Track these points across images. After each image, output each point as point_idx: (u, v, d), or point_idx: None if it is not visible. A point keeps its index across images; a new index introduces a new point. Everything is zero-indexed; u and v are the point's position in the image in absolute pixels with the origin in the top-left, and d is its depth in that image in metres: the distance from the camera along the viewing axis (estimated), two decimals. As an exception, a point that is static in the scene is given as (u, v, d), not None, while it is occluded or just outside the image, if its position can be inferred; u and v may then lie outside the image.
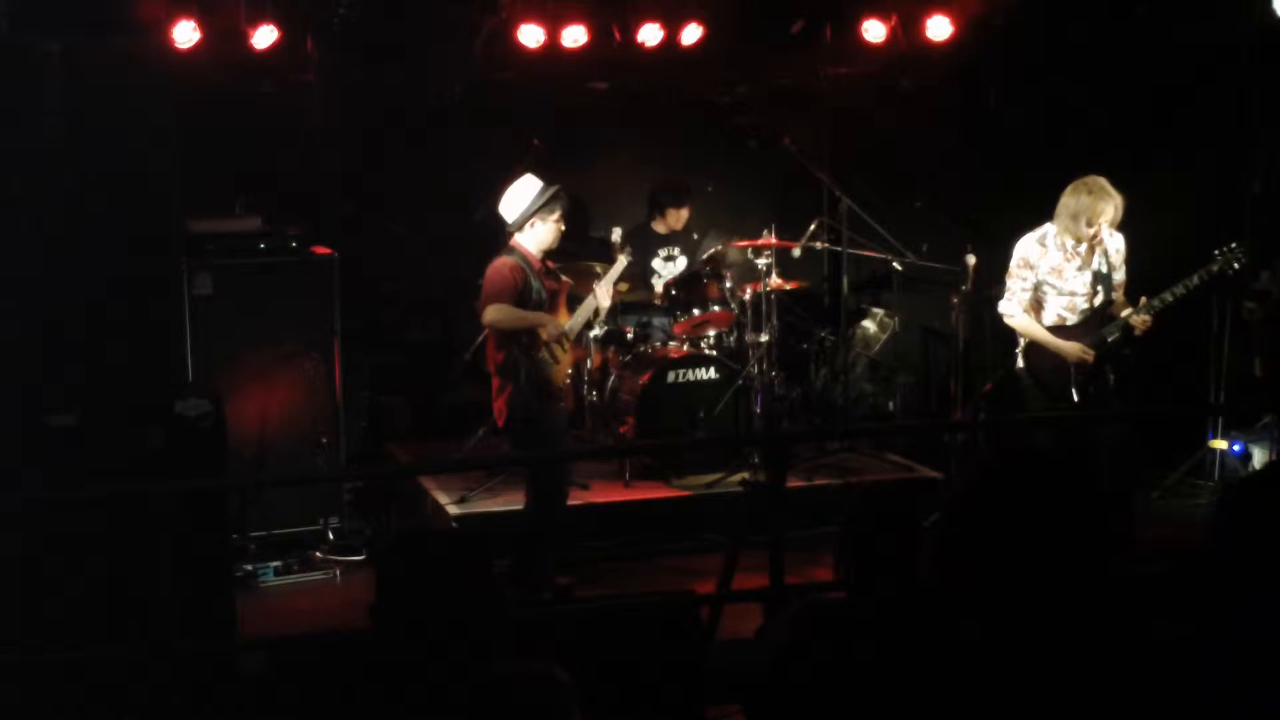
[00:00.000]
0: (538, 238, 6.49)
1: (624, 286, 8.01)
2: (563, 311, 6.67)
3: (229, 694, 4.78)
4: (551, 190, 6.49)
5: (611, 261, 7.40)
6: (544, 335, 6.43)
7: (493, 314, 6.38)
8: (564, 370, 6.62)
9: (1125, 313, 6.44)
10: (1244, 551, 2.21)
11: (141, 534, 4.61)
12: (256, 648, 5.31)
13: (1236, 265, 6.47)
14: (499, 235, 6.68)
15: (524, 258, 6.47)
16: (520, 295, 6.40)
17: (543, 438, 6.47)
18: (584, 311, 6.86)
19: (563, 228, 6.55)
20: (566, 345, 6.61)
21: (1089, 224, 6.30)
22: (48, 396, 5.12)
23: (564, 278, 6.84)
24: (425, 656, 2.51)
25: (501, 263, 6.45)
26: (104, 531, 4.87)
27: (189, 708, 4.56)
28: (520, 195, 6.52)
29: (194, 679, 4.67)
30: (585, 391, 7.77)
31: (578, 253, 8.08)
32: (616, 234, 8.14)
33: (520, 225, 6.47)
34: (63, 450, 5.03)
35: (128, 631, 4.77)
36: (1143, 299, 6.40)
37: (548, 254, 6.61)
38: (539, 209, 6.45)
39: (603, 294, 6.92)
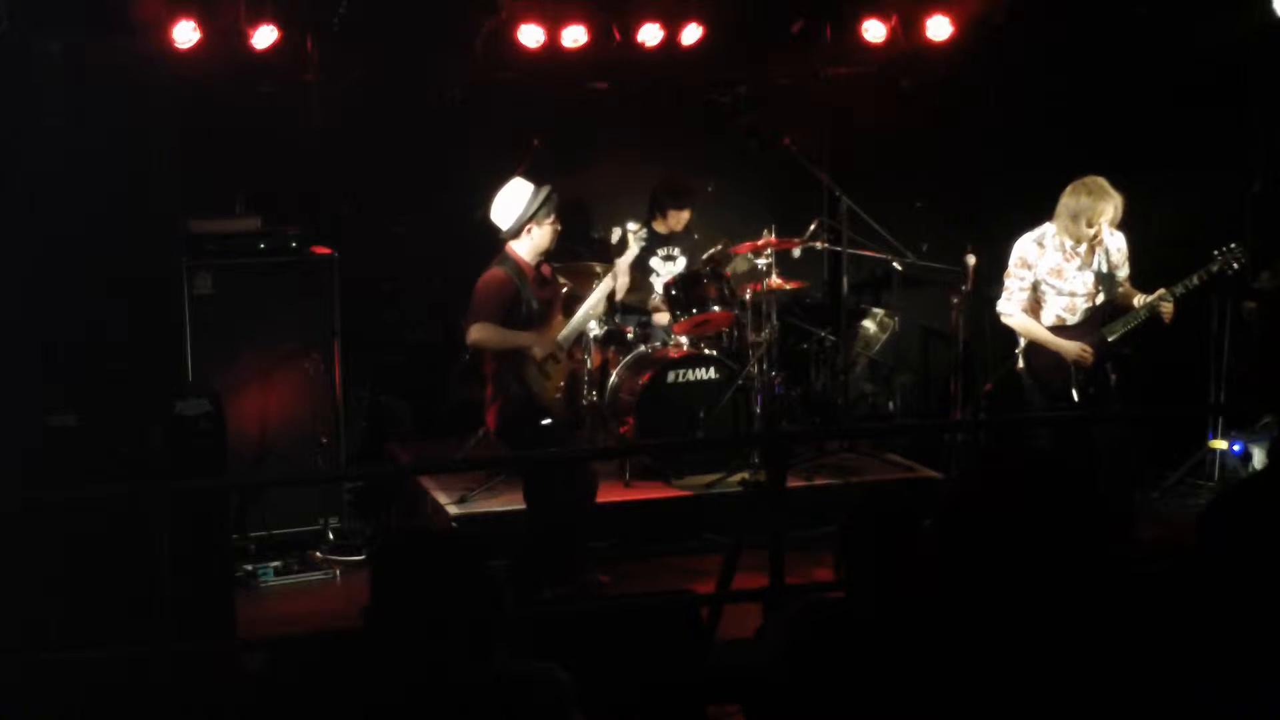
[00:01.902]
0: (534, 243, 6.38)
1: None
2: (559, 319, 6.60)
3: (229, 694, 4.78)
4: (544, 192, 6.38)
5: (611, 261, 7.37)
6: (535, 355, 6.36)
7: (477, 333, 6.28)
8: (555, 385, 6.48)
9: (1137, 300, 6.44)
10: (1234, 555, 2.22)
11: (141, 534, 4.61)
12: (256, 648, 5.31)
13: (1236, 265, 6.48)
14: (497, 236, 6.64)
15: (517, 267, 6.35)
16: (510, 310, 6.28)
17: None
18: (595, 298, 6.80)
19: (559, 228, 6.48)
20: (561, 357, 6.53)
21: (1089, 224, 6.30)
22: (48, 396, 5.11)
23: (561, 281, 6.79)
24: (425, 656, 2.51)
25: (491, 276, 6.32)
26: (104, 531, 4.87)
27: (189, 708, 4.56)
28: (512, 200, 6.40)
29: (194, 679, 4.66)
30: (585, 391, 7.76)
31: (579, 253, 8.08)
32: (616, 235, 8.13)
33: (517, 232, 6.38)
34: (63, 450, 5.03)
35: (128, 631, 4.77)
36: (1161, 290, 6.41)
37: (547, 255, 6.56)
38: (535, 213, 6.35)
39: (622, 272, 6.88)
